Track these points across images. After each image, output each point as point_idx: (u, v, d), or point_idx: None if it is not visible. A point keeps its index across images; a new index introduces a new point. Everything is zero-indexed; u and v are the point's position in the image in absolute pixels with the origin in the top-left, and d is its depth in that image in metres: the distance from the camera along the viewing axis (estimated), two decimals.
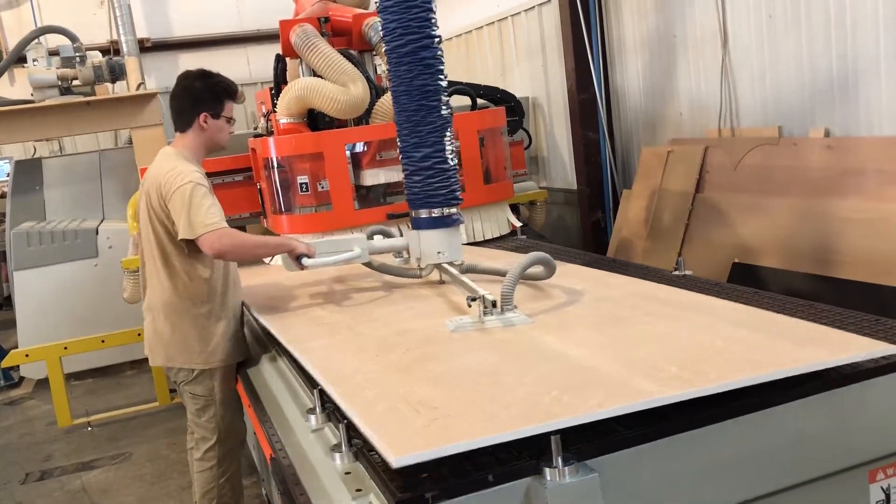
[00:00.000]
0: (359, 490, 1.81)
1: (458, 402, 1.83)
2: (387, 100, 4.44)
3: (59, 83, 6.27)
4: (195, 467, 3.47)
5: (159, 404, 5.62)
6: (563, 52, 6.81)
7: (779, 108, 4.98)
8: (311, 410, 2.32)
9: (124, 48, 10.05)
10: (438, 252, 2.97)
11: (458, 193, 2.96)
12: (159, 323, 3.29)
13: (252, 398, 2.88)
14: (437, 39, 2.86)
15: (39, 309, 6.44)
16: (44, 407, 6.06)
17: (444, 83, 2.85)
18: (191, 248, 3.16)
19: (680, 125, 5.98)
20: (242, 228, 5.10)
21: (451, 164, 2.92)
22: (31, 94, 6.42)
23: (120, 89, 7.81)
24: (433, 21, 2.84)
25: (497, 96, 5.77)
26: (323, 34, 4.48)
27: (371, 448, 1.92)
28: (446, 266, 3.02)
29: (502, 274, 2.97)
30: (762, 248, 4.90)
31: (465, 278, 2.85)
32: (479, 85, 5.73)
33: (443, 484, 1.70)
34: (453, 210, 2.95)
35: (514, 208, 5.29)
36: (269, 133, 4.81)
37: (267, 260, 3.28)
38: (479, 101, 5.36)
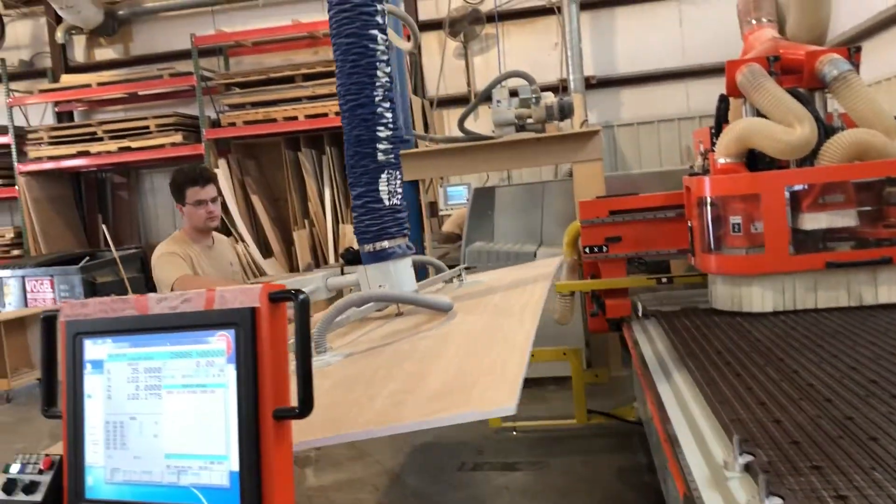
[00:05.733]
0: None
1: None
2: (836, 140, 4.16)
3: (516, 121, 7.07)
4: None
5: (577, 422, 5.95)
6: None
7: None
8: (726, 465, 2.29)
9: (571, 85, 10.89)
10: (380, 285, 3.15)
11: (392, 230, 3.15)
12: None
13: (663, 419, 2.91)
14: (377, 97, 3.12)
15: None
16: None
17: (382, 133, 3.12)
18: None
19: None
20: (667, 265, 5.15)
21: (387, 203, 3.14)
22: (493, 131, 7.34)
23: (565, 125, 8.50)
24: (375, 84, 3.12)
25: None
26: (771, 73, 4.36)
27: None
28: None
29: (436, 308, 2.99)
30: None
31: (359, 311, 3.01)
32: None
33: None
34: (385, 244, 3.14)
35: None
36: (705, 172, 4.83)
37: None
38: None
